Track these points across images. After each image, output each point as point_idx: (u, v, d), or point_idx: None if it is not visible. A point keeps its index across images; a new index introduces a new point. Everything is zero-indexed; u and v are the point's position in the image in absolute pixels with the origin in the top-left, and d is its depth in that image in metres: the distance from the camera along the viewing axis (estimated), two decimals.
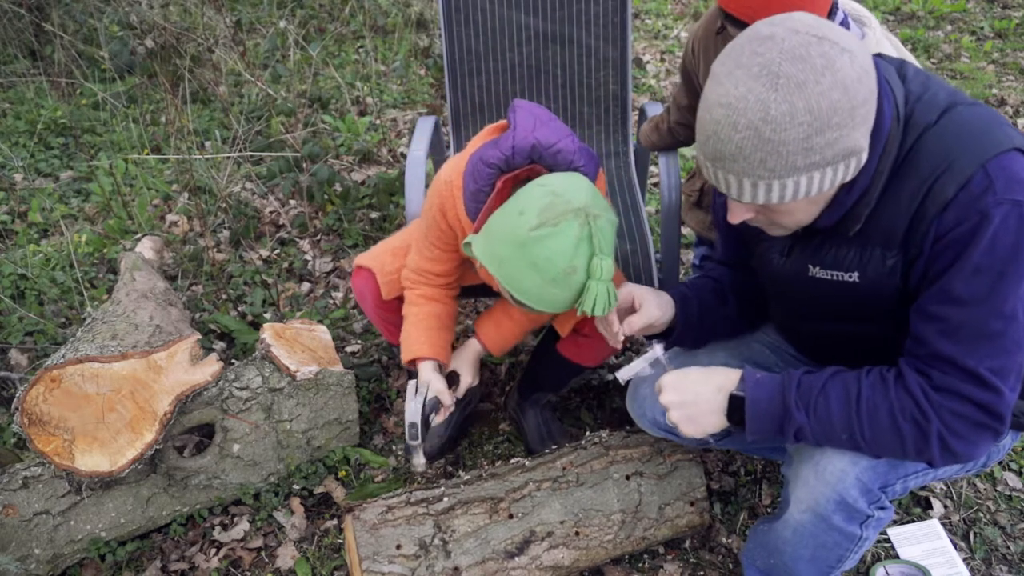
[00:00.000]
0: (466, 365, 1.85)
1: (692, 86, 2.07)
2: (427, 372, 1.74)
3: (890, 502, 1.35)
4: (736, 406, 1.28)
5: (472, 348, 1.88)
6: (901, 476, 1.32)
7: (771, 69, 1.03)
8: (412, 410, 1.65)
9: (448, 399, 1.71)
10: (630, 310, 1.50)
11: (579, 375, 2.06)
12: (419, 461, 1.68)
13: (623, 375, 1.46)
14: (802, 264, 1.32)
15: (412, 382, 1.72)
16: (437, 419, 1.72)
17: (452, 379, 1.83)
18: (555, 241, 1.35)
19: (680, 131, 2.16)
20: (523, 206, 1.39)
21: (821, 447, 1.30)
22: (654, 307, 1.48)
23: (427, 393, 1.68)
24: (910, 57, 1.70)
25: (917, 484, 1.38)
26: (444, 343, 1.79)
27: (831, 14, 1.63)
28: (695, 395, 1.31)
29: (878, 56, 1.24)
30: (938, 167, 1.12)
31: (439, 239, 1.71)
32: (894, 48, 1.71)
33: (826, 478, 1.30)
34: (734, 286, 1.61)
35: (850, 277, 1.26)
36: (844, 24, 1.64)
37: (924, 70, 1.26)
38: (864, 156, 1.11)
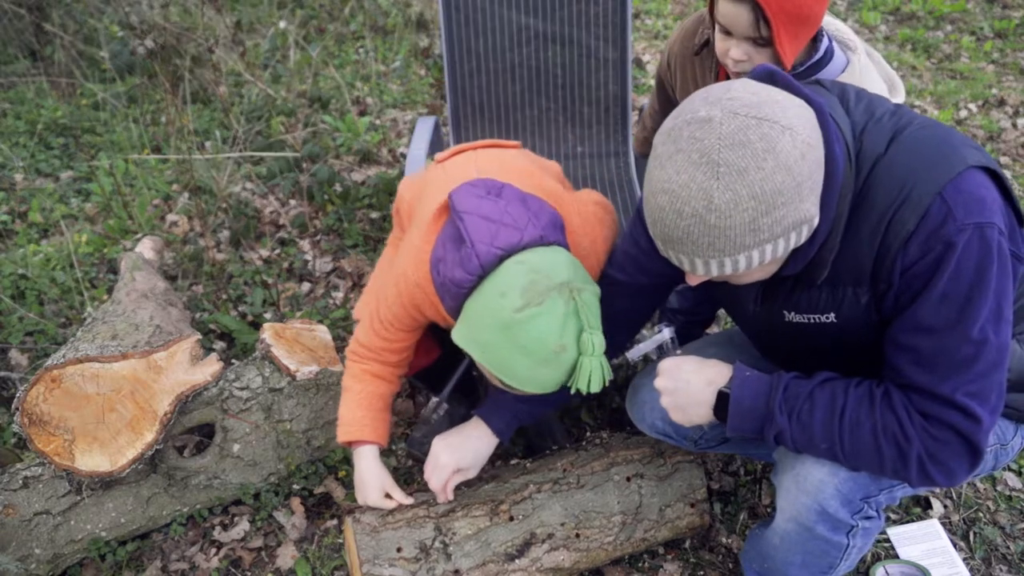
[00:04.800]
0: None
1: (666, 95, 2.01)
2: (367, 461, 1.66)
3: (879, 511, 1.34)
4: (723, 401, 1.28)
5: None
6: (885, 488, 1.31)
7: (711, 156, 1.01)
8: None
9: (391, 504, 1.65)
10: (456, 471, 1.62)
11: None
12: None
13: (632, 355, 1.47)
14: (777, 310, 1.31)
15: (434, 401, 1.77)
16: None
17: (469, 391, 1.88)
18: (542, 320, 1.28)
19: None
20: (503, 287, 1.32)
21: (801, 455, 1.30)
22: (471, 471, 1.63)
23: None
24: (896, 78, 1.67)
25: (905, 495, 1.37)
26: (386, 425, 1.72)
27: (817, 40, 1.58)
28: (686, 384, 1.31)
29: (818, 85, 1.22)
30: (895, 199, 1.11)
31: (407, 326, 1.63)
32: (879, 71, 1.66)
33: (806, 488, 1.29)
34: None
35: (827, 318, 1.25)
36: (829, 51, 1.59)
37: (863, 90, 1.24)
38: (816, 221, 1.10)
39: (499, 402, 1.63)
